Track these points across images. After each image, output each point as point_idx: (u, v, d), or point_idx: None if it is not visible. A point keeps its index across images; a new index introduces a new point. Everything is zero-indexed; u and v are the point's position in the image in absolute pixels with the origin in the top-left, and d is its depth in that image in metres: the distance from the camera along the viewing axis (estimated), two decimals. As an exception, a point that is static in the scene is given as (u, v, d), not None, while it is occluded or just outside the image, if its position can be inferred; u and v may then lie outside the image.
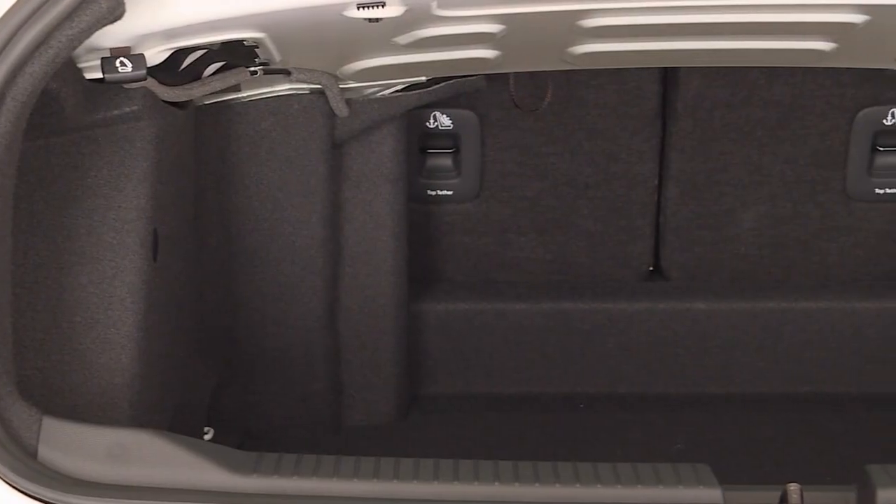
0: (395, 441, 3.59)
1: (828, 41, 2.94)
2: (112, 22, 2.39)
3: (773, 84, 3.63)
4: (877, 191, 3.74)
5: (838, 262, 3.82)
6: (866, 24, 2.74)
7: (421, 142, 3.76)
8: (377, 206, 3.53)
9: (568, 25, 2.82)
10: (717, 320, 3.80)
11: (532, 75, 3.61)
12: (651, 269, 3.89)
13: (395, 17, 2.65)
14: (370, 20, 2.64)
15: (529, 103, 3.66)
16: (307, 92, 3.28)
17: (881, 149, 3.71)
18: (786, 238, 3.81)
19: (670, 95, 3.68)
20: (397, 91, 3.40)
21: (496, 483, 2.34)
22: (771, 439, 3.58)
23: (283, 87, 3.24)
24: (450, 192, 3.80)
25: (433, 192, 3.79)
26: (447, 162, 3.78)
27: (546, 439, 3.62)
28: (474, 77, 3.42)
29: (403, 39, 2.88)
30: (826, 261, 3.82)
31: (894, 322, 3.77)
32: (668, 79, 3.67)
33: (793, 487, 2.40)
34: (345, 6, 2.60)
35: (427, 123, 3.72)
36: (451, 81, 3.41)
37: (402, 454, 2.47)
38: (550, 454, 3.39)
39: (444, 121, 3.72)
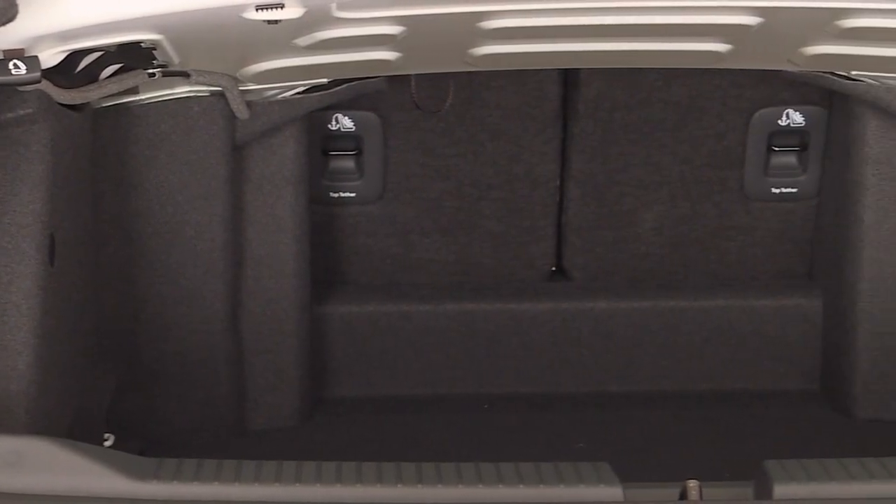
0: (299, 444, 3.57)
1: (723, 43, 2.99)
2: (4, 24, 2.35)
3: (672, 85, 3.67)
4: (773, 190, 3.80)
5: (736, 261, 3.87)
6: (760, 26, 2.78)
7: (323, 144, 3.74)
8: (279, 208, 3.51)
9: (468, 27, 2.83)
10: (618, 319, 3.83)
11: (434, 77, 3.61)
12: (553, 269, 3.92)
13: (295, 19, 2.64)
14: (269, 22, 2.63)
15: (431, 105, 3.66)
16: (207, 94, 3.26)
17: (776, 149, 3.77)
18: (685, 237, 3.85)
19: (571, 97, 3.71)
20: (298, 93, 3.39)
21: (399, 485, 2.34)
22: (672, 436, 3.62)
23: (182, 90, 3.21)
24: (353, 194, 3.79)
25: (336, 194, 3.78)
26: (350, 164, 3.77)
27: (451, 440, 3.63)
28: (376, 79, 3.42)
29: (304, 41, 2.87)
30: (724, 259, 3.87)
31: (791, 319, 3.83)
32: (569, 80, 3.70)
33: (692, 484, 2.43)
34: (243, 8, 2.59)
35: (329, 125, 3.71)
36: (353, 83, 3.40)
37: (305, 457, 2.47)
38: (455, 455, 3.40)
39: (346, 123, 3.72)
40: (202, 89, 3.23)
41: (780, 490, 2.35)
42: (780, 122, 3.72)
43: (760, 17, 2.74)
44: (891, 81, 3.36)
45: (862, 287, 3.60)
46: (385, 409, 3.76)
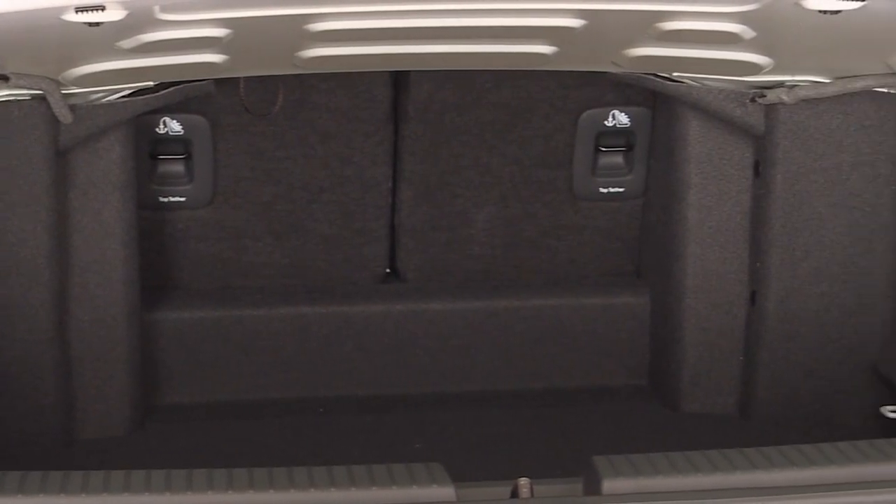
0: (130, 453, 3.51)
1: (548, 45, 3.02)
2: None
3: (501, 87, 3.70)
4: (601, 190, 3.87)
5: (566, 260, 3.93)
6: (584, 28, 2.82)
7: (151, 148, 3.69)
8: (106, 214, 3.45)
9: (295, 30, 2.81)
10: (452, 320, 3.85)
11: (262, 80, 3.59)
12: (387, 271, 3.92)
13: (117, 21, 2.59)
14: (90, 24, 2.58)
15: (260, 108, 3.64)
16: (28, 98, 3.18)
17: (603, 149, 3.83)
18: (516, 238, 3.89)
19: (401, 99, 3.72)
20: (124, 96, 3.33)
21: (229, 491, 2.32)
22: (507, 435, 3.65)
23: (1, 94, 3.13)
24: (182, 199, 3.74)
25: (165, 199, 3.73)
26: (179, 168, 3.72)
27: (286, 444, 3.61)
28: (203, 81, 3.38)
29: (127, 44, 2.82)
30: (555, 259, 3.92)
31: (620, 316, 3.90)
32: (399, 83, 3.71)
33: (523, 482, 2.46)
34: (63, 10, 2.53)
35: (156, 129, 3.66)
36: (180, 86, 3.36)
37: (135, 466, 2.43)
38: (290, 459, 3.38)
39: (174, 126, 3.67)
40: (22, 93, 3.15)
41: (609, 485, 2.39)
42: (606, 122, 3.79)
43: (583, 19, 2.78)
44: (711, 83, 3.45)
45: (687, 283, 3.69)
46: (218, 415, 3.72)
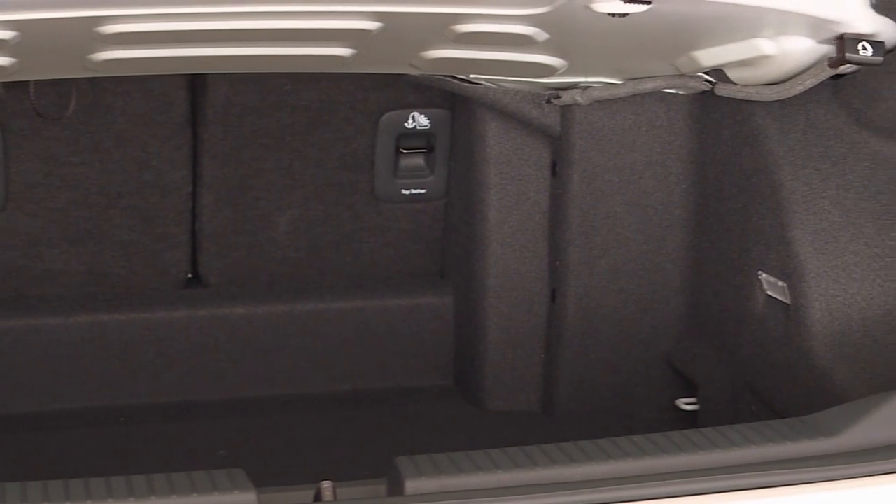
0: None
1: (346, 47, 3.02)
2: None
3: (300, 90, 3.69)
4: (402, 191, 3.89)
5: (370, 262, 3.94)
6: (380, 30, 2.83)
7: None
8: None
9: (85, 32, 2.75)
10: (257, 324, 3.83)
11: (55, 83, 3.50)
12: (189, 276, 3.87)
13: None
14: None
15: (53, 112, 3.56)
16: None
17: (404, 151, 3.85)
18: (320, 240, 3.88)
19: (199, 102, 3.67)
20: None
21: (22, 505, 2.26)
22: (312, 439, 3.64)
23: None
24: (-27, 206, 3.64)
25: None
26: None
27: (86, 456, 3.53)
28: (-8, 85, 3.29)
29: None
30: (359, 261, 3.93)
31: (424, 317, 3.92)
32: (197, 85, 3.66)
33: (326, 485, 2.45)
34: None
35: None
36: (-33, 90, 3.27)
37: (-76, 483, 2.34)
38: (90, 470, 3.30)
39: (-38, 131, 3.56)
40: None
41: (412, 485, 2.40)
42: (406, 124, 3.81)
43: (379, 21, 2.79)
44: (507, 84, 3.50)
45: (489, 283, 3.73)
46: (15, 427, 3.62)
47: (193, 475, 2.40)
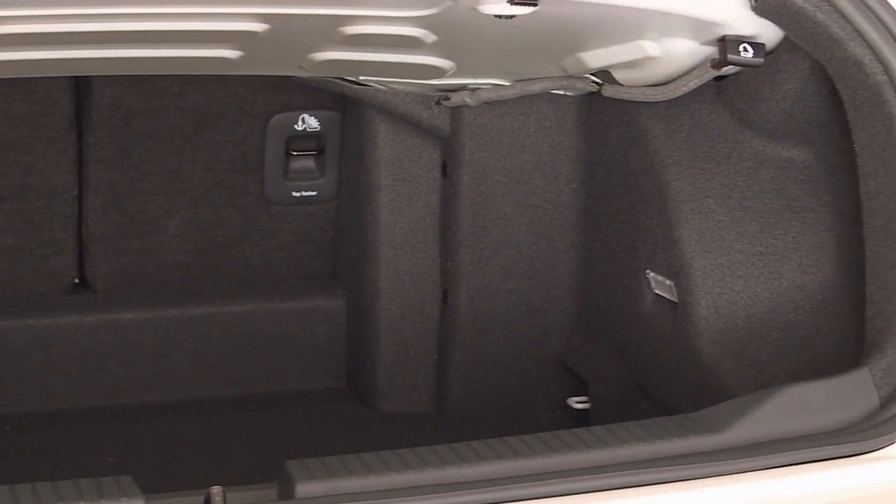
0: None
1: (233, 49, 3.01)
2: None
3: (187, 92, 3.66)
4: (293, 194, 3.87)
5: (261, 265, 3.91)
6: (267, 32, 2.81)
7: None
8: None
9: (-35, 34, 2.70)
10: (146, 329, 3.79)
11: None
12: (76, 281, 3.82)
13: None
14: None
15: (-67, 115, 3.49)
16: None
17: (294, 153, 3.84)
18: (210, 244, 3.85)
19: (84, 104, 3.62)
20: None
21: None
22: (204, 444, 3.61)
23: None
24: None
25: None
26: None
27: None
28: None
29: None
30: (250, 264, 3.90)
31: (316, 319, 3.91)
32: (81, 87, 3.61)
33: (215, 490, 2.43)
34: None
35: None
36: None
37: None
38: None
39: None
40: None
41: (302, 489, 2.40)
42: (296, 126, 3.79)
43: (266, 23, 2.77)
44: (397, 86, 3.50)
45: (381, 285, 3.73)
46: None
47: (80, 483, 2.37)
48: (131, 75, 3.54)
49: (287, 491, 2.42)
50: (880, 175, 2.66)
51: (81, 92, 3.61)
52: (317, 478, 2.42)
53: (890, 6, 2.61)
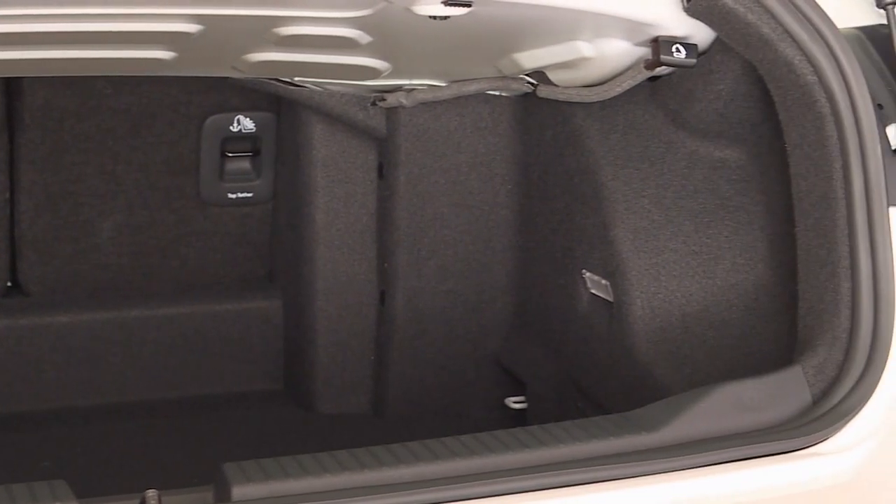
0: None
1: (167, 50, 2.99)
2: None
3: (121, 93, 3.63)
4: (229, 195, 3.85)
5: (197, 267, 3.89)
6: (201, 33, 2.80)
7: None
8: None
9: None
10: (80, 333, 3.75)
11: None
12: (9, 284, 3.78)
13: None
14: None
15: None
16: None
17: (230, 154, 3.82)
18: (145, 245, 3.83)
19: (15, 105, 3.59)
20: None
21: None
22: (141, 447, 3.59)
23: None
24: None
25: None
26: None
27: None
28: None
29: None
30: (186, 266, 3.88)
31: (253, 321, 3.90)
32: (12, 89, 3.58)
33: (150, 493, 2.42)
34: None
35: None
36: None
37: None
38: None
39: None
40: None
41: (238, 491, 2.39)
42: (231, 128, 3.78)
43: (200, 24, 2.76)
44: (332, 87, 3.49)
45: (318, 286, 3.72)
46: None
47: (13, 488, 2.35)
48: (64, 76, 3.51)
49: (223, 494, 2.41)
50: (811, 175, 2.69)
51: (13, 93, 3.58)
52: (253, 480, 2.41)
53: (819, 7, 2.64)
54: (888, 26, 2.67)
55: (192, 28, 2.76)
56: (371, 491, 2.38)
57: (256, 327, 3.90)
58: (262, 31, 2.87)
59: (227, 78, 3.51)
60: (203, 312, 3.86)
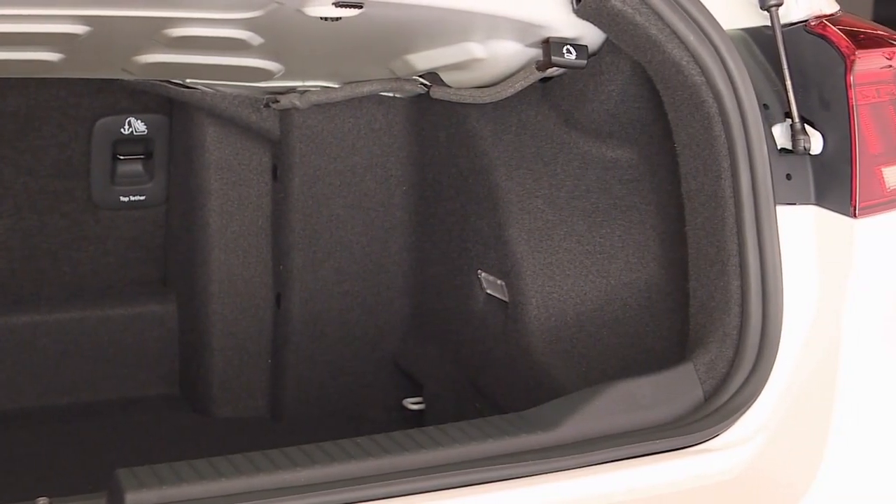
0: None
1: (54, 52, 2.94)
2: None
3: (7, 96, 3.57)
4: (121, 198, 3.81)
5: (90, 272, 3.84)
6: (89, 35, 2.76)
7: None
8: None
9: None
10: None
11: None
12: None
13: None
14: None
15: None
16: None
17: (121, 157, 3.78)
18: (35, 251, 3.77)
19: None
20: None
21: None
22: (31, 455, 3.53)
23: None
24: None
25: None
26: None
27: None
28: None
29: None
30: (77, 271, 3.83)
31: (148, 325, 3.86)
32: None
33: (42, 501, 2.38)
34: None
35: None
36: None
37: None
38: None
39: None
40: None
41: (132, 498, 2.36)
42: (122, 130, 3.73)
43: (87, 25, 2.72)
44: (224, 89, 3.47)
45: (212, 290, 3.69)
46: None
47: None
48: (-52, 79, 3.46)
49: (116, 500, 2.38)
50: (700, 174, 2.72)
51: None
52: (146, 486, 2.39)
53: (706, 9, 2.68)
54: (772, 28, 2.71)
55: (79, 29, 2.73)
56: (266, 494, 2.37)
57: (151, 332, 3.86)
58: (152, 33, 2.84)
59: (118, 79, 3.47)
60: (96, 317, 3.81)
